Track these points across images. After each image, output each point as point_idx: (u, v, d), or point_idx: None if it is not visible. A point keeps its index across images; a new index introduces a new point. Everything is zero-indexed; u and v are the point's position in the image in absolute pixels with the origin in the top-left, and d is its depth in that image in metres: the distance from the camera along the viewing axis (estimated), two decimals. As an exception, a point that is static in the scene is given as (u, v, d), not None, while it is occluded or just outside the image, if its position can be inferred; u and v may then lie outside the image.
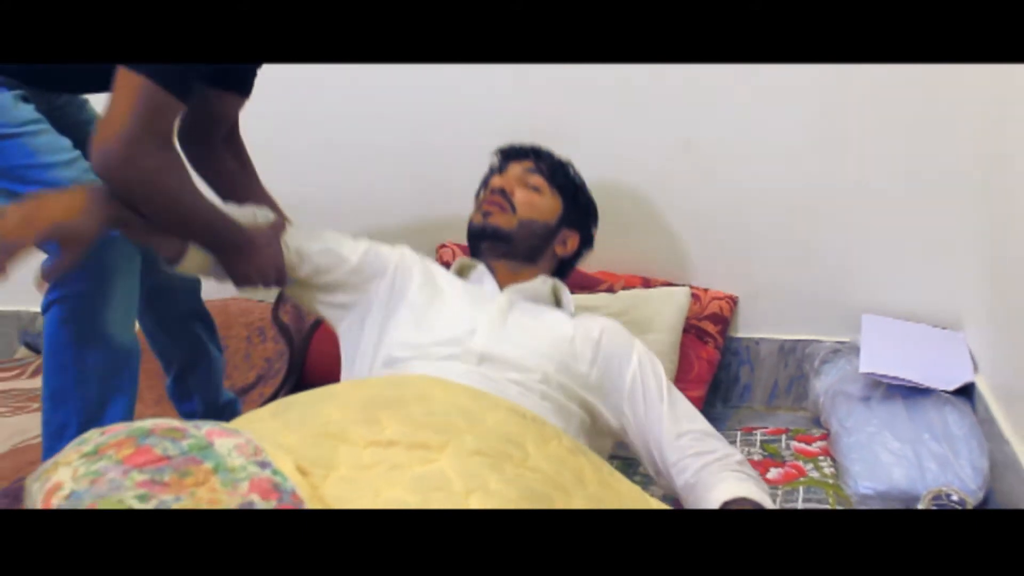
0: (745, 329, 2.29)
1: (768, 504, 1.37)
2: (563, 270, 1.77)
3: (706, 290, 2.23)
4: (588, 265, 2.11)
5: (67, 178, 1.39)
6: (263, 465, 1.04)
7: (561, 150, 1.90)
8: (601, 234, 1.94)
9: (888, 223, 2.16)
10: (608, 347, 1.54)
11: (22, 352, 2.57)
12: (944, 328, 2.16)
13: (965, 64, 1.90)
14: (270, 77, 1.78)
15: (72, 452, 0.99)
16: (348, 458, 1.09)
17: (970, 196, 2.08)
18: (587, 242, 1.80)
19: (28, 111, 1.41)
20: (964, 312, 2.14)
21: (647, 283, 2.24)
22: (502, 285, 1.61)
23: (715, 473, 1.42)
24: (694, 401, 2.03)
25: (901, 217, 2.15)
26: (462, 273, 1.70)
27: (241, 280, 1.51)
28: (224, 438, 1.08)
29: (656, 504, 1.27)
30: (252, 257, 1.48)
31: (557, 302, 1.69)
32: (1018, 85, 1.79)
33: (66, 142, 1.43)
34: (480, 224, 1.63)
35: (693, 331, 2.17)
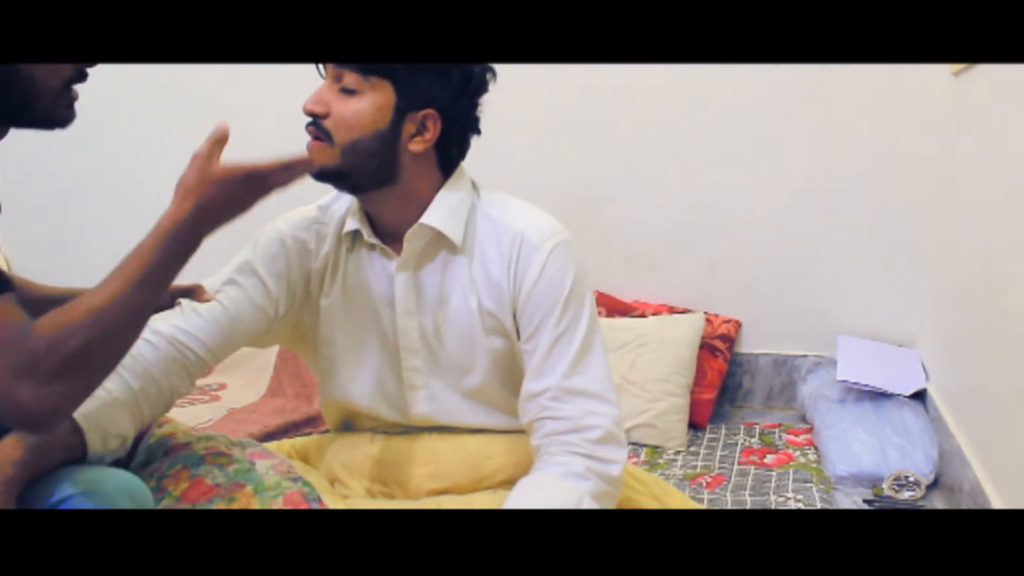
0: (747, 346, 2.48)
1: (556, 503, 1.06)
2: (448, 153, 1.21)
3: (717, 315, 2.44)
4: (625, 295, 2.40)
5: None
6: (295, 480, 1.09)
7: (603, 208, 2.02)
8: (635, 272, 2.10)
9: (858, 265, 2.38)
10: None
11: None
12: (902, 346, 2.36)
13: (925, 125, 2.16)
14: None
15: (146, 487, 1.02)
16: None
17: (922, 245, 2.31)
18: (453, 110, 1.17)
19: None
20: (918, 333, 2.35)
21: (671, 310, 2.43)
22: (380, 219, 1.23)
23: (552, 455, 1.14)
24: (707, 403, 2.31)
25: (868, 260, 2.38)
26: None
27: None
28: (263, 459, 1.12)
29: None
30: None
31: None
32: (960, 153, 1.95)
33: None
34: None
35: (707, 347, 2.37)
